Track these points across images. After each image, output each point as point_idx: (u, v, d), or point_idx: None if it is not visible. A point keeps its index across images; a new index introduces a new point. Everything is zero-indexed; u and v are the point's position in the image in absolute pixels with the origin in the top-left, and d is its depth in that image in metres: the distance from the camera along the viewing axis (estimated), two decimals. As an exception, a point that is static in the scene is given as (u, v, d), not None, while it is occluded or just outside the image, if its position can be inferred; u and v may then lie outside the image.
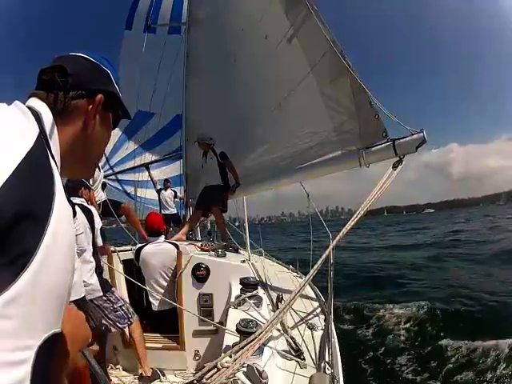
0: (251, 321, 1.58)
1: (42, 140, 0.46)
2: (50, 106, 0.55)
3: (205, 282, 2.68)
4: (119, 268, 2.96)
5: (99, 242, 2.55)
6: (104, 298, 2.41)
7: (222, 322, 2.15)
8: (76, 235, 2.14)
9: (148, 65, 6.32)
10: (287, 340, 1.72)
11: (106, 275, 2.67)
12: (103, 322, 2.44)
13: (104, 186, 4.00)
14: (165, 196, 6.93)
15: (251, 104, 3.88)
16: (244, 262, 2.87)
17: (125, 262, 3.06)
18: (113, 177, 7.40)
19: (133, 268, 3.03)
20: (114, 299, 2.46)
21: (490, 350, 4.00)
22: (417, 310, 5.54)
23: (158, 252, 2.94)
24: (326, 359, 1.57)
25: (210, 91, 4.52)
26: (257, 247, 4.59)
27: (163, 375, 2.56)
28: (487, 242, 14.20)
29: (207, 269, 2.69)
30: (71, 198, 2.41)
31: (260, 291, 2.32)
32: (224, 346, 1.60)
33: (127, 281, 2.91)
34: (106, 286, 2.46)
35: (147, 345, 2.63)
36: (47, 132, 0.50)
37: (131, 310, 2.56)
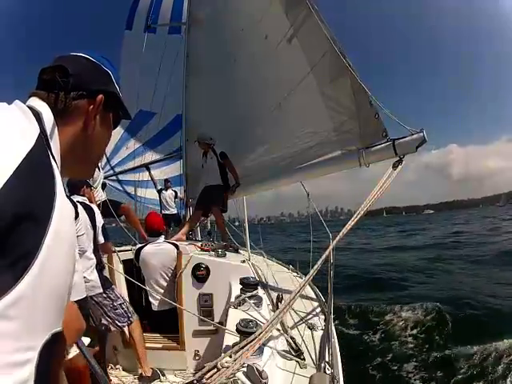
0: (251, 321, 1.57)
1: (43, 140, 0.46)
2: (51, 105, 0.55)
3: (205, 282, 2.68)
4: (119, 268, 2.96)
5: (101, 239, 2.56)
6: (104, 295, 2.41)
7: (222, 322, 2.15)
8: (77, 236, 2.15)
9: (148, 65, 6.32)
10: (287, 340, 1.72)
11: (105, 274, 2.68)
12: (103, 321, 2.44)
13: (104, 186, 4.00)
14: (165, 196, 6.94)
15: (251, 104, 3.88)
16: (244, 262, 2.87)
17: (125, 262, 3.06)
18: (114, 177, 7.41)
19: (133, 268, 3.03)
20: (114, 297, 2.46)
21: (503, 357, 3.88)
22: (419, 312, 5.46)
23: (157, 252, 2.94)
24: (326, 359, 1.56)
25: (210, 91, 4.52)
26: (257, 247, 4.59)
27: (163, 375, 2.56)
28: (488, 244, 14.12)
29: (207, 269, 2.69)
30: (73, 197, 2.42)
31: (260, 291, 2.32)
32: (224, 346, 1.60)
33: (127, 281, 2.91)
34: (106, 283, 2.46)
35: (147, 345, 2.63)
36: (48, 132, 0.50)
37: (131, 309, 2.56)
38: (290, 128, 3.32)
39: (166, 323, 2.82)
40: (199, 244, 3.37)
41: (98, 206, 3.24)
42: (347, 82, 2.62)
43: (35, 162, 0.41)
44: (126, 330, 2.59)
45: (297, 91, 3.19)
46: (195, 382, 1.32)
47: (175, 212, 6.79)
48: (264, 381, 1.24)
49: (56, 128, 0.53)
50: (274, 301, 2.27)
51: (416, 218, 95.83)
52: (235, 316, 1.87)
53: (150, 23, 6.73)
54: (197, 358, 2.65)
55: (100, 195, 3.55)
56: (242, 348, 1.38)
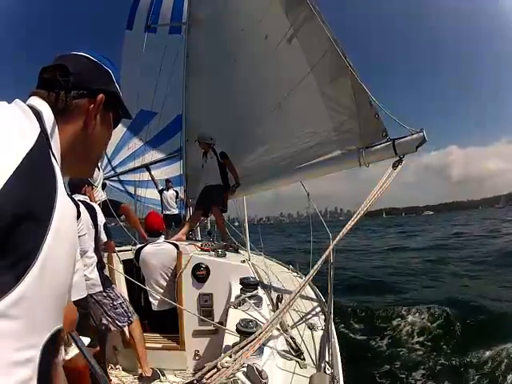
0: (251, 321, 1.57)
1: (43, 139, 0.46)
2: (51, 104, 0.55)
3: (205, 282, 2.68)
4: (119, 268, 2.97)
5: (103, 237, 2.56)
6: (104, 293, 2.41)
7: (222, 322, 2.15)
8: (79, 236, 2.15)
9: (149, 64, 6.32)
10: (287, 340, 1.72)
11: (106, 273, 2.67)
12: (103, 320, 2.44)
13: (104, 186, 4.00)
14: (166, 196, 6.94)
15: (251, 104, 3.88)
16: (244, 262, 2.87)
17: (125, 262, 3.06)
18: (115, 177, 7.42)
19: (133, 268, 3.03)
20: (114, 296, 2.46)
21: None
22: (424, 315, 5.33)
23: (157, 252, 2.94)
24: (326, 359, 1.57)
25: (210, 91, 4.53)
26: (256, 248, 4.59)
27: (163, 375, 2.56)
28: (490, 245, 14.01)
29: (207, 269, 2.69)
30: (74, 196, 2.42)
31: (260, 291, 2.32)
32: (224, 346, 1.60)
33: (127, 281, 2.91)
34: (107, 282, 2.46)
35: (147, 345, 2.63)
36: (48, 131, 0.50)
37: (131, 309, 2.56)
38: (290, 128, 3.32)
39: (166, 323, 2.82)
40: (199, 244, 3.37)
41: (98, 205, 3.25)
42: (347, 82, 2.62)
43: (36, 161, 0.41)
44: (126, 329, 2.59)
45: (297, 91, 3.19)
46: (195, 382, 1.32)
47: (176, 212, 6.79)
48: (264, 381, 1.24)
49: (56, 127, 0.53)
50: (274, 301, 2.27)
51: (416, 219, 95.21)
52: (235, 316, 1.86)
53: (149, 23, 6.74)
54: (197, 357, 2.65)
55: (100, 195, 3.55)
56: (242, 348, 1.38)
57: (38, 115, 0.49)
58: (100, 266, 2.44)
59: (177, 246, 2.92)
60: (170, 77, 5.92)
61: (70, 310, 0.68)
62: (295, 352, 1.62)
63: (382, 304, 6.30)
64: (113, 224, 4.01)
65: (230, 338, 1.66)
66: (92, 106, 0.60)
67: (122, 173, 7.34)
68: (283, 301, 1.92)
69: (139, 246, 3.11)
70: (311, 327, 2.02)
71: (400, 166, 2.21)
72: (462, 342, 4.55)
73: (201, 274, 2.68)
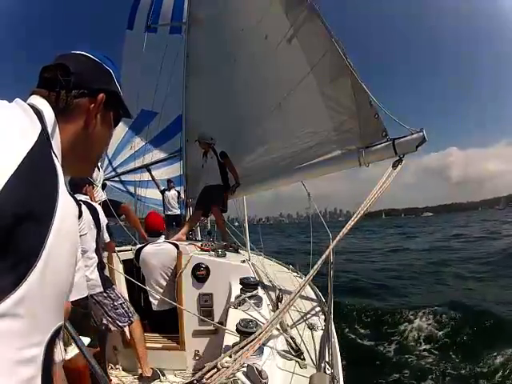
0: (251, 321, 1.57)
1: (44, 138, 0.46)
2: (52, 104, 0.55)
3: (205, 282, 2.68)
4: (119, 268, 2.97)
5: (106, 237, 2.56)
6: (104, 294, 2.41)
7: (222, 322, 2.15)
8: (80, 236, 2.15)
9: (150, 64, 6.32)
10: (287, 340, 1.72)
11: (106, 274, 2.67)
12: (103, 320, 2.45)
13: (104, 186, 4.00)
14: (168, 197, 6.94)
15: (251, 104, 3.89)
16: (244, 262, 2.87)
17: (125, 262, 3.06)
18: (116, 178, 7.42)
19: (133, 268, 3.03)
20: (115, 296, 2.46)
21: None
22: (427, 319, 5.23)
23: (158, 252, 2.94)
24: (326, 359, 1.57)
25: (210, 91, 4.53)
26: (256, 248, 4.59)
27: (163, 375, 2.56)
28: (492, 247, 13.89)
29: (207, 269, 2.69)
30: (76, 195, 2.42)
31: (260, 291, 2.31)
32: (224, 346, 1.60)
33: (127, 281, 2.91)
34: (107, 282, 2.46)
35: (147, 345, 2.63)
36: (49, 130, 0.50)
37: (132, 309, 2.56)
38: (289, 128, 3.32)
39: (166, 323, 2.82)
40: (199, 244, 3.37)
41: (98, 205, 3.25)
42: (347, 82, 2.63)
43: (37, 161, 0.41)
44: (126, 329, 2.59)
45: (297, 91, 3.19)
46: (195, 381, 1.32)
47: (178, 212, 6.76)
48: (264, 381, 1.24)
49: (57, 126, 0.53)
50: (274, 301, 2.27)
51: (415, 220, 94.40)
52: (235, 316, 1.86)
53: (149, 23, 6.73)
54: (197, 357, 2.65)
55: (100, 195, 3.55)
56: (242, 348, 1.38)
57: (39, 114, 0.49)
58: (100, 267, 2.44)
59: (177, 246, 2.92)
60: (170, 77, 5.91)
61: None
62: (295, 352, 1.62)
63: (386, 307, 6.16)
64: (112, 223, 4.02)
65: (230, 338, 1.66)
66: (93, 105, 0.60)
67: (123, 173, 7.34)
68: (283, 301, 1.93)
69: (139, 245, 3.11)
70: (311, 327, 2.02)
71: (400, 166, 2.21)
72: (471, 348, 4.42)
73: (201, 274, 2.68)
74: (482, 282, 8.05)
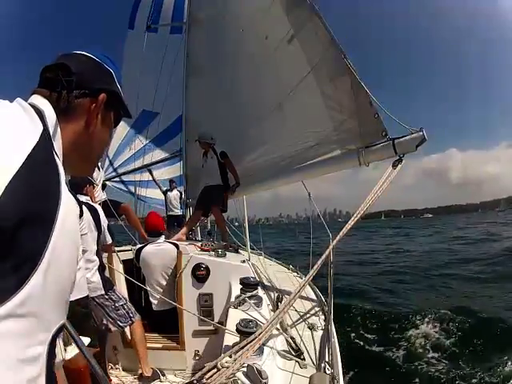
0: (251, 321, 1.57)
1: (46, 138, 0.46)
2: (53, 104, 0.55)
3: (205, 282, 2.68)
4: (119, 268, 2.96)
5: (108, 239, 2.56)
6: (106, 296, 2.41)
7: (222, 322, 2.15)
8: (81, 235, 2.15)
9: (151, 64, 6.31)
10: (287, 340, 1.72)
11: (107, 275, 2.67)
12: (104, 321, 2.45)
13: (104, 186, 4.00)
14: (170, 197, 6.93)
15: (251, 104, 3.89)
16: (244, 262, 2.87)
17: (125, 262, 3.06)
18: (117, 178, 7.42)
19: (133, 268, 3.03)
20: (116, 298, 2.46)
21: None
22: (434, 326, 5.05)
23: (158, 252, 2.94)
24: (326, 359, 1.57)
25: (210, 91, 4.53)
26: (256, 248, 4.59)
27: (163, 375, 2.56)
28: (493, 249, 13.73)
29: (207, 269, 2.69)
30: (76, 196, 2.41)
31: (260, 291, 2.31)
32: (224, 346, 1.60)
33: (127, 281, 2.91)
34: (108, 284, 2.46)
35: (147, 345, 2.63)
36: (50, 130, 0.50)
37: (133, 309, 2.56)
38: (290, 128, 3.33)
39: (166, 323, 2.82)
40: (199, 244, 3.37)
41: (98, 205, 3.25)
42: (347, 82, 2.63)
43: (39, 161, 0.42)
44: (126, 329, 2.59)
45: (297, 91, 3.19)
46: (195, 381, 1.32)
47: (180, 213, 6.75)
48: (264, 381, 1.24)
49: (58, 126, 0.54)
50: (274, 301, 2.27)
51: (415, 222, 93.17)
52: (235, 316, 1.86)
53: (149, 23, 6.72)
54: (197, 357, 2.65)
55: (100, 195, 3.55)
56: (242, 348, 1.38)
57: (40, 114, 0.50)
58: (101, 269, 2.44)
59: (177, 246, 2.92)
60: (170, 77, 5.91)
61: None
62: (295, 352, 1.63)
63: (390, 311, 5.98)
64: (112, 223, 4.02)
65: (230, 338, 1.66)
66: (94, 105, 0.60)
67: (125, 173, 7.34)
68: (283, 301, 1.93)
69: (139, 245, 3.11)
70: (311, 327, 2.02)
71: (400, 166, 2.21)
72: (480, 356, 4.26)
73: (201, 274, 2.68)
74: (486, 284, 7.88)
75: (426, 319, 5.22)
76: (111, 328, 2.49)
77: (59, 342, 0.48)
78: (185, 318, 2.66)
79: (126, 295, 2.88)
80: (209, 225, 6.24)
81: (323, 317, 2.23)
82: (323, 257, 1.94)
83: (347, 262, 12.08)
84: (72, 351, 1.60)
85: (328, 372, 1.46)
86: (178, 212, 6.79)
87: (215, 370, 1.31)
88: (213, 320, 2.49)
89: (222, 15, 4.25)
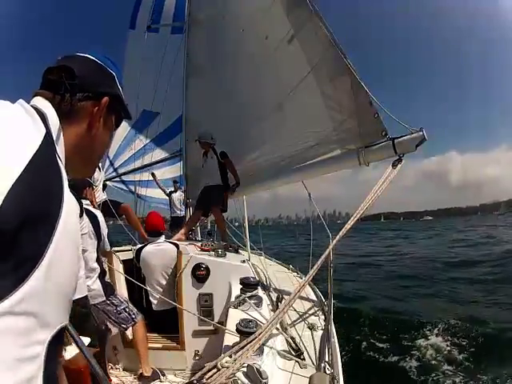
0: (251, 321, 1.57)
1: (49, 141, 0.47)
2: (56, 106, 0.55)
3: (205, 282, 2.68)
4: (119, 268, 2.96)
5: (107, 247, 2.55)
6: (107, 301, 2.41)
7: (222, 322, 2.14)
8: (81, 234, 2.14)
9: (152, 64, 6.32)
10: (287, 340, 1.72)
11: (107, 279, 2.66)
12: (106, 323, 2.45)
13: (104, 187, 4.00)
14: (174, 198, 6.92)
15: (251, 104, 3.89)
16: (244, 262, 2.87)
17: (125, 262, 3.06)
18: (117, 178, 7.42)
19: (133, 268, 3.03)
20: (117, 302, 2.46)
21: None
22: (444, 336, 4.79)
23: (158, 252, 2.94)
24: (326, 359, 1.57)
25: (210, 91, 4.53)
26: (256, 248, 4.58)
27: (163, 375, 2.56)
28: (496, 251, 13.55)
29: (207, 269, 2.69)
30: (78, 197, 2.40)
31: (260, 291, 2.31)
32: (224, 346, 1.60)
33: (127, 281, 2.91)
34: (109, 289, 2.45)
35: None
36: (53, 133, 0.50)
37: (135, 310, 2.56)
38: (290, 128, 3.33)
39: (166, 323, 2.82)
40: (199, 244, 3.37)
41: (99, 206, 3.25)
42: (347, 82, 2.63)
43: (42, 163, 0.42)
44: (128, 329, 2.59)
45: (297, 91, 3.19)
46: (195, 381, 1.32)
47: (183, 215, 6.74)
48: (264, 381, 1.24)
49: (61, 129, 0.54)
50: (274, 301, 2.27)
51: (415, 224, 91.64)
52: (235, 316, 1.86)
53: (149, 24, 6.72)
54: (197, 357, 2.65)
55: (101, 196, 3.55)
56: (242, 348, 1.38)
57: (43, 117, 0.50)
58: (102, 275, 2.43)
59: (177, 246, 2.92)
60: (171, 77, 5.91)
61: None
62: (295, 352, 1.62)
63: (397, 318, 5.75)
64: (111, 222, 4.01)
65: (230, 338, 1.66)
66: (96, 108, 0.61)
67: (125, 173, 7.34)
68: (283, 301, 1.92)
69: (139, 245, 3.11)
70: (311, 327, 2.01)
71: (400, 166, 2.21)
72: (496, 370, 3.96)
73: (201, 274, 2.68)
74: (493, 288, 7.66)
75: (440, 335, 4.90)
76: (112, 329, 2.49)
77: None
78: (185, 317, 2.66)
79: (126, 295, 2.88)
80: (209, 225, 6.24)
81: (323, 317, 2.23)
82: (323, 257, 1.93)
83: (348, 264, 11.96)
84: (72, 351, 1.60)
85: (328, 372, 1.46)
86: (182, 213, 6.78)
87: (215, 370, 1.31)
88: (213, 320, 2.49)
89: (221, 15, 4.25)
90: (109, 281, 2.61)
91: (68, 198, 0.44)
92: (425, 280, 9.13)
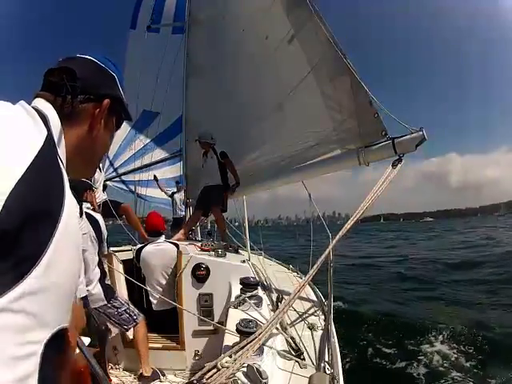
0: (251, 321, 1.57)
1: (50, 143, 0.47)
2: (57, 108, 0.55)
3: (205, 282, 2.68)
4: (119, 268, 2.96)
5: (104, 250, 2.55)
6: (108, 304, 2.41)
7: (222, 322, 2.14)
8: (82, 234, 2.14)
9: (152, 65, 6.32)
10: (287, 340, 1.72)
11: (107, 282, 2.65)
12: (109, 325, 2.45)
13: (105, 187, 3.99)
14: (176, 199, 6.93)
15: (251, 104, 3.89)
16: (244, 262, 2.87)
17: (125, 262, 3.06)
18: (117, 178, 7.43)
19: (133, 268, 3.03)
20: (119, 304, 2.46)
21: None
22: (450, 343, 4.65)
23: (158, 252, 2.94)
24: (326, 359, 1.57)
25: (210, 91, 4.53)
26: (257, 248, 4.58)
27: (163, 375, 2.56)
28: (499, 253, 13.35)
29: (207, 269, 2.69)
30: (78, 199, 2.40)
31: (260, 291, 2.31)
32: (224, 346, 1.60)
33: (127, 281, 2.91)
34: (110, 292, 2.45)
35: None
36: (54, 135, 0.50)
37: (136, 311, 2.55)
38: (290, 128, 3.33)
39: (166, 323, 2.82)
40: (199, 244, 3.37)
41: (98, 206, 3.24)
42: (347, 82, 2.63)
43: (43, 165, 0.42)
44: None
45: (297, 91, 3.19)
46: (195, 381, 1.32)
47: (184, 215, 6.74)
48: (264, 381, 1.24)
49: (62, 131, 0.54)
50: (274, 301, 2.27)
51: (415, 225, 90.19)
52: (235, 316, 1.86)
53: (149, 24, 6.71)
54: (197, 358, 2.65)
55: (101, 196, 3.54)
56: (242, 348, 1.38)
57: (44, 119, 0.50)
58: (102, 277, 2.43)
59: (177, 246, 2.92)
60: (171, 77, 5.91)
61: (80, 317, 0.69)
62: (295, 352, 1.62)
63: (398, 319, 5.65)
64: (110, 222, 4.01)
65: (230, 338, 1.66)
66: (98, 110, 0.61)
67: (125, 173, 7.34)
68: (283, 301, 1.92)
69: (139, 245, 3.11)
70: (311, 327, 2.01)
71: (399, 165, 2.21)
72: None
73: (201, 274, 2.68)
74: (496, 290, 7.53)
75: (446, 343, 4.71)
76: (112, 329, 2.49)
77: None
78: (185, 317, 2.66)
79: (126, 295, 2.88)
80: (209, 225, 6.24)
81: (323, 317, 2.23)
82: (323, 256, 1.93)
83: (348, 266, 11.90)
84: (72, 351, 1.60)
85: (328, 372, 1.46)
86: (183, 214, 6.80)
87: (215, 370, 1.31)
88: (213, 320, 2.48)
89: (222, 15, 4.25)
90: (108, 283, 2.61)
91: (69, 199, 0.44)
92: (427, 282, 9.03)
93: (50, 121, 0.51)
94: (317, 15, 2.79)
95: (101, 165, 4.12)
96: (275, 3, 3.29)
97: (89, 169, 0.69)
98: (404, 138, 2.31)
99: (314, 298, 2.66)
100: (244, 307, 2.03)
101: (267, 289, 2.59)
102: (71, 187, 0.47)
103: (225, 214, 4.38)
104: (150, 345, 2.67)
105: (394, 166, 2.21)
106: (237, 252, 3.56)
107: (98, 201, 3.27)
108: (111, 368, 2.73)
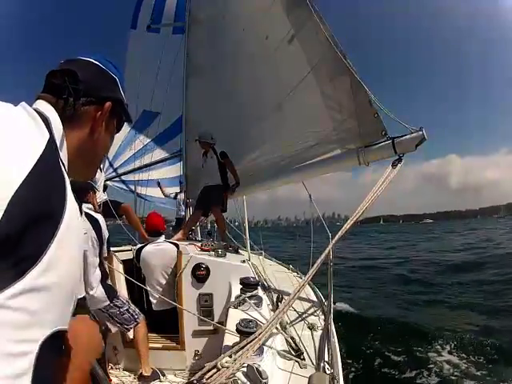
0: (251, 321, 1.57)
1: (52, 147, 0.47)
2: (59, 110, 0.55)
3: (205, 282, 2.68)
4: (119, 268, 2.96)
5: (104, 251, 2.54)
6: (111, 304, 2.40)
7: (222, 322, 2.14)
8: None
9: (153, 65, 6.31)
10: (287, 340, 1.72)
11: (109, 282, 2.64)
12: (108, 324, 2.45)
13: (105, 187, 3.99)
14: (179, 199, 6.95)
15: (251, 104, 3.89)
16: (244, 262, 2.87)
17: (125, 262, 3.06)
18: (117, 178, 7.43)
19: (133, 268, 3.03)
20: (120, 304, 2.45)
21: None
22: (454, 352, 4.53)
23: (158, 252, 2.94)
24: (326, 359, 1.57)
25: (210, 91, 4.53)
26: (257, 248, 4.59)
27: (163, 375, 2.56)
28: (500, 254, 13.33)
29: (207, 269, 2.68)
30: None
31: (260, 291, 2.31)
32: (224, 346, 1.60)
33: (127, 281, 2.91)
34: (111, 293, 2.44)
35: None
36: (56, 137, 0.50)
37: (137, 310, 2.55)
38: (290, 127, 3.33)
39: (166, 323, 2.82)
40: (199, 244, 3.36)
41: (99, 206, 3.24)
42: (347, 82, 2.63)
43: (45, 169, 0.42)
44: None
45: (297, 91, 3.19)
46: (195, 382, 1.32)
47: (184, 215, 6.75)
48: (264, 381, 1.24)
49: (64, 133, 0.54)
50: (274, 301, 2.27)
51: (415, 227, 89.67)
52: (235, 316, 1.86)
53: (149, 24, 6.71)
54: (197, 358, 2.65)
55: (101, 196, 3.54)
56: (242, 348, 1.38)
57: (46, 121, 0.50)
58: (104, 278, 2.42)
59: (177, 246, 2.92)
60: (171, 77, 5.90)
61: (97, 338, 0.69)
62: (295, 352, 1.62)
63: (399, 320, 5.64)
64: (110, 222, 4.01)
65: (230, 338, 1.66)
66: (99, 113, 0.61)
67: (125, 173, 7.34)
68: (283, 301, 1.92)
69: (139, 245, 3.11)
70: (311, 327, 2.01)
71: (399, 165, 2.21)
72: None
73: (201, 274, 2.68)
74: (500, 292, 7.46)
75: (454, 352, 4.61)
76: (112, 329, 2.49)
77: None
78: (185, 317, 2.66)
79: (127, 295, 2.88)
80: (209, 225, 6.24)
81: (323, 317, 2.23)
82: (323, 256, 1.93)
83: (348, 267, 11.85)
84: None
85: (328, 372, 1.46)
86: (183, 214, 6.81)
87: (215, 370, 1.31)
88: (213, 320, 2.48)
89: (221, 15, 4.25)
90: (109, 283, 2.61)
91: (71, 203, 0.44)
92: (430, 285, 8.98)
93: (52, 123, 0.51)
94: (317, 15, 2.79)
95: (101, 165, 4.12)
96: (275, 3, 3.29)
97: (90, 170, 0.69)
98: (404, 137, 2.31)
99: (314, 298, 2.66)
100: (244, 307, 2.03)
101: (267, 289, 2.60)
102: (73, 189, 0.47)
103: (225, 214, 4.38)
104: (150, 345, 2.67)
105: (393, 165, 2.21)
106: (237, 252, 3.56)
107: (98, 201, 3.27)
108: (111, 368, 2.73)
